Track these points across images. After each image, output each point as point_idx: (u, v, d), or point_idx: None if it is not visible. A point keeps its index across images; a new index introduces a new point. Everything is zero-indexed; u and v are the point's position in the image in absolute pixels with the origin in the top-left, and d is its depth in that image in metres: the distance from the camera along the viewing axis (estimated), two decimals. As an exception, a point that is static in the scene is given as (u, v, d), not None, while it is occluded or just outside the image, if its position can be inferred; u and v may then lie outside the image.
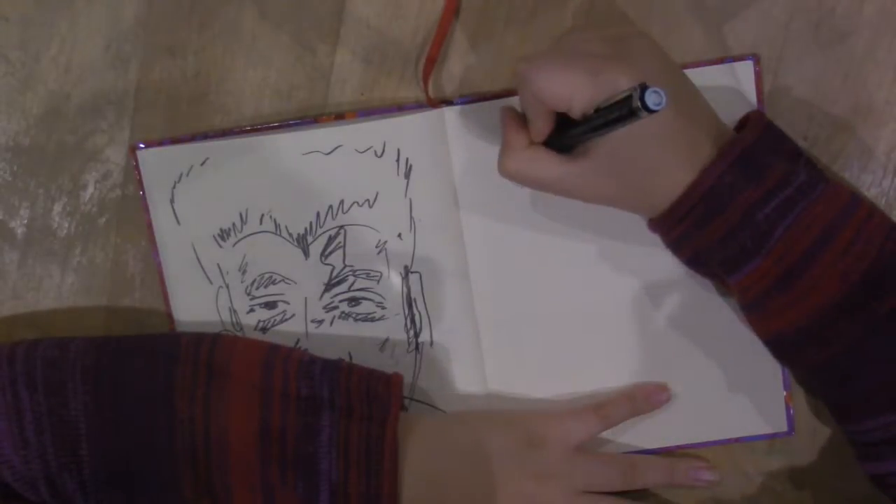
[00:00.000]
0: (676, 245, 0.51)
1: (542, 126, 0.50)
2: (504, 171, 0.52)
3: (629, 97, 0.41)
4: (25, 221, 0.58)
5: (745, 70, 0.55)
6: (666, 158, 0.48)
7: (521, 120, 0.52)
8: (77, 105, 0.57)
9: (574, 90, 0.46)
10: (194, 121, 0.57)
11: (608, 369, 0.57)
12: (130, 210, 0.57)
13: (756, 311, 0.50)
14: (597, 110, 0.46)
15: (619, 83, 0.45)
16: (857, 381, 0.48)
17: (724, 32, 0.55)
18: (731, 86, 0.55)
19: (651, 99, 0.40)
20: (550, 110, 0.49)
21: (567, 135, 0.49)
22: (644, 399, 0.56)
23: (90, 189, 0.58)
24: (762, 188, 0.47)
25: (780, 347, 0.51)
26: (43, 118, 0.57)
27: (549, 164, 0.50)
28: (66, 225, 0.58)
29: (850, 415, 0.50)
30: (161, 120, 0.57)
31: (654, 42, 0.49)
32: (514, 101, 0.55)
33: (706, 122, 0.50)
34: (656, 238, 0.55)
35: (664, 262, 0.56)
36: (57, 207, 0.58)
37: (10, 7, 0.56)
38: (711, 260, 0.50)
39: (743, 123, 0.53)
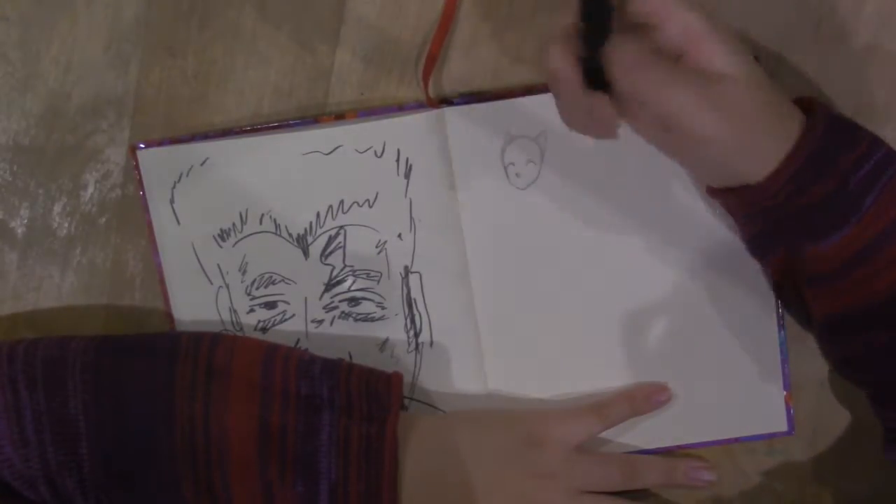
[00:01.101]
0: (754, 217, 0.48)
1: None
2: (628, 86, 0.44)
3: None
4: (25, 221, 0.58)
5: (745, 70, 0.55)
6: (761, 122, 0.45)
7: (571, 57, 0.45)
8: (77, 105, 0.57)
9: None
10: (194, 121, 0.57)
11: (608, 369, 0.57)
12: (130, 210, 0.57)
13: (827, 286, 0.48)
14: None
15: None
16: None
17: (724, 32, 0.55)
18: (731, 86, 0.55)
19: None
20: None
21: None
22: (644, 399, 0.56)
23: (90, 189, 0.58)
24: (855, 153, 0.46)
25: (843, 325, 0.48)
26: (43, 118, 0.57)
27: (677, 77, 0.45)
28: (66, 225, 0.58)
29: (892, 401, 0.49)
30: (161, 120, 0.57)
31: None
32: (516, 104, 0.55)
33: (785, 102, 0.47)
34: (656, 237, 0.55)
35: (665, 262, 0.56)
36: (57, 207, 0.58)
37: (10, 7, 0.56)
38: (796, 230, 0.47)
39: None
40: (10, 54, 0.57)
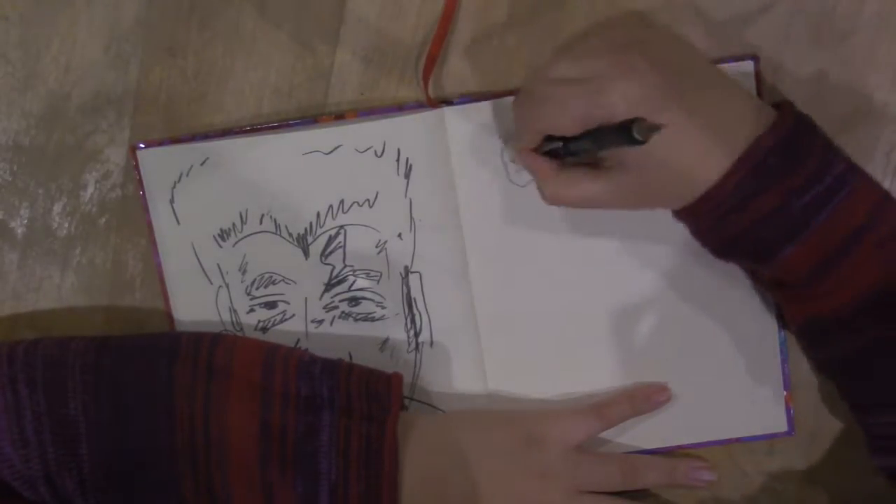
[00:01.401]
0: (709, 232, 0.50)
1: (533, 143, 0.51)
2: (549, 199, 0.52)
3: (621, 128, 0.43)
4: (25, 221, 0.58)
5: (745, 70, 0.55)
6: (698, 152, 0.47)
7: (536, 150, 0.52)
8: (77, 105, 0.57)
9: (571, 115, 0.47)
10: (194, 121, 0.57)
11: (608, 369, 0.57)
12: (130, 210, 0.57)
13: (790, 298, 0.50)
14: (592, 133, 0.47)
15: (615, 108, 0.46)
16: (885, 373, 0.48)
17: (724, 32, 0.55)
18: (731, 86, 0.55)
19: (639, 132, 0.42)
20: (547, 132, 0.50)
21: (568, 147, 0.50)
22: (644, 399, 0.56)
23: (90, 189, 0.58)
24: (802, 175, 0.47)
25: (812, 334, 0.50)
26: (43, 118, 0.57)
27: (586, 184, 0.50)
28: (66, 225, 0.58)
29: (871, 407, 0.50)
30: (161, 120, 0.57)
31: (664, 39, 0.49)
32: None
33: (739, 104, 0.48)
34: (657, 237, 0.55)
35: (665, 262, 0.56)
36: (57, 207, 0.58)
37: (10, 7, 0.56)
38: (744, 247, 0.49)
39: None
40: (10, 54, 0.57)
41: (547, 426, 0.54)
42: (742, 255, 0.50)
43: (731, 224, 0.48)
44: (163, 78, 0.57)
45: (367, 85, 0.57)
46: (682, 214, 0.50)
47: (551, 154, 0.51)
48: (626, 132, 0.42)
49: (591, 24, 0.56)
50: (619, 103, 0.46)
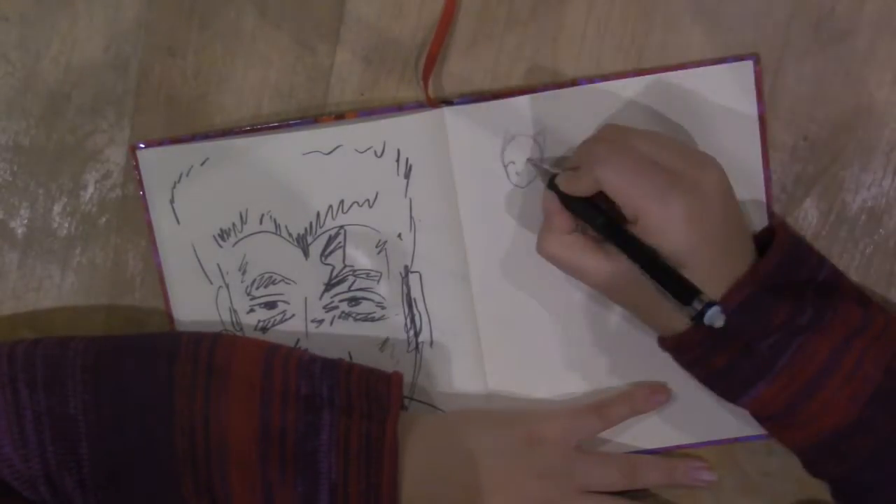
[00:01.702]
0: (686, 367, 0.52)
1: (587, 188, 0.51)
2: (544, 251, 0.53)
3: (691, 290, 0.46)
4: (25, 221, 0.58)
5: (745, 70, 0.55)
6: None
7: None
8: (77, 105, 0.57)
9: (638, 196, 0.48)
10: (194, 121, 0.57)
11: (607, 369, 0.57)
12: (130, 210, 0.57)
13: (770, 428, 0.52)
14: (652, 260, 0.48)
15: (680, 212, 0.47)
16: (877, 493, 0.49)
17: (724, 32, 0.55)
18: (731, 86, 0.55)
19: (710, 317, 0.46)
20: (600, 196, 0.50)
21: (599, 225, 0.50)
22: (644, 399, 0.56)
23: (90, 189, 0.58)
24: (765, 328, 0.48)
25: (799, 456, 0.52)
26: (43, 118, 0.57)
27: (586, 257, 0.51)
28: (66, 225, 0.58)
29: None
30: (161, 120, 0.57)
31: (722, 174, 0.49)
32: (516, 105, 0.55)
33: (731, 255, 0.49)
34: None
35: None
36: (57, 207, 0.58)
37: (10, 7, 0.56)
38: (717, 387, 0.51)
39: (768, 233, 0.53)
40: (10, 54, 0.57)
41: (547, 426, 0.54)
42: (718, 391, 0.52)
43: (702, 366, 0.50)
44: (163, 78, 0.57)
45: (367, 85, 0.57)
46: (661, 344, 0.52)
47: (578, 213, 0.51)
48: (695, 303, 0.46)
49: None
50: (680, 208, 0.47)
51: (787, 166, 0.56)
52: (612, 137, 0.51)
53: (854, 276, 0.56)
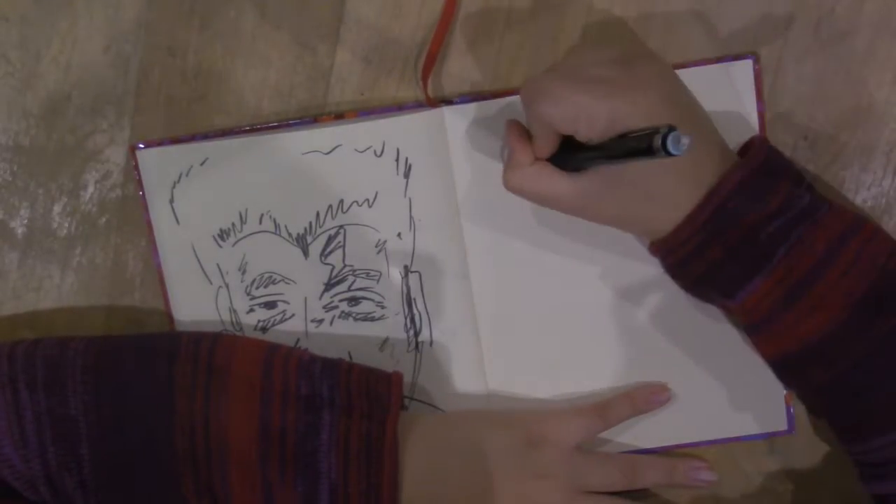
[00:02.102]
0: (677, 269, 0.51)
1: (545, 145, 0.50)
2: (508, 185, 0.52)
3: (649, 135, 0.41)
4: (25, 221, 0.58)
5: (744, 70, 0.55)
6: (668, 184, 0.48)
7: (527, 135, 0.52)
8: (77, 105, 0.57)
9: (582, 115, 0.47)
10: (194, 121, 0.57)
11: (608, 369, 0.57)
12: (130, 210, 0.57)
13: (760, 333, 0.51)
14: (611, 140, 0.46)
15: (629, 114, 0.46)
16: (865, 398, 0.48)
17: (724, 32, 0.55)
18: (730, 85, 0.55)
19: (673, 143, 0.40)
20: (556, 131, 0.49)
21: (574, 157, 0.49)
22: (644, 399, 0.56)
23: (90, 189, 0.58)
24: (765, 212, 0.47)
25: (786, 368, 0.51)
26: (43, 118, 0.57)
27: (553, 182, 0.50)
28: (66, 225, 0.58)
29: (858, 434, 0.50)
30: (161, 120, 0.57)
31: (665, 66, 0.50)
32: (515, 104, 0.55)
33: (711, 146, 0.49)
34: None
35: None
36: (57, 207, 0.58)
37: (10, 7, 0.56)
38: (712, 284, 0.50)
39: (746, 148, 0.53)
40: (10, 54, 0.57)
41: (547, 426, 0.54)
42: (711, 290, 0.51)
43: (697, 262, 0.49)
44: (163, 78, 0.57)
45: (367, 85, 0.57)
46: (652, 249, 0.52)
47: (576, 163, 0.50)
48: (647, 143, 0.41)
49: (584, 34, 0.56)
50: (631, 110, 0.46)
51: (787, 166, 0.56)
52: (539, 79, 0.49)
53: (854, 275, 0.56)
